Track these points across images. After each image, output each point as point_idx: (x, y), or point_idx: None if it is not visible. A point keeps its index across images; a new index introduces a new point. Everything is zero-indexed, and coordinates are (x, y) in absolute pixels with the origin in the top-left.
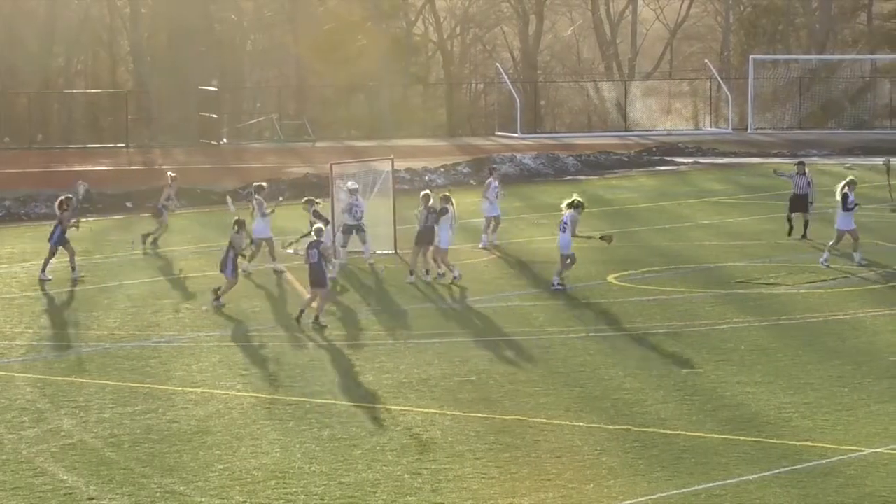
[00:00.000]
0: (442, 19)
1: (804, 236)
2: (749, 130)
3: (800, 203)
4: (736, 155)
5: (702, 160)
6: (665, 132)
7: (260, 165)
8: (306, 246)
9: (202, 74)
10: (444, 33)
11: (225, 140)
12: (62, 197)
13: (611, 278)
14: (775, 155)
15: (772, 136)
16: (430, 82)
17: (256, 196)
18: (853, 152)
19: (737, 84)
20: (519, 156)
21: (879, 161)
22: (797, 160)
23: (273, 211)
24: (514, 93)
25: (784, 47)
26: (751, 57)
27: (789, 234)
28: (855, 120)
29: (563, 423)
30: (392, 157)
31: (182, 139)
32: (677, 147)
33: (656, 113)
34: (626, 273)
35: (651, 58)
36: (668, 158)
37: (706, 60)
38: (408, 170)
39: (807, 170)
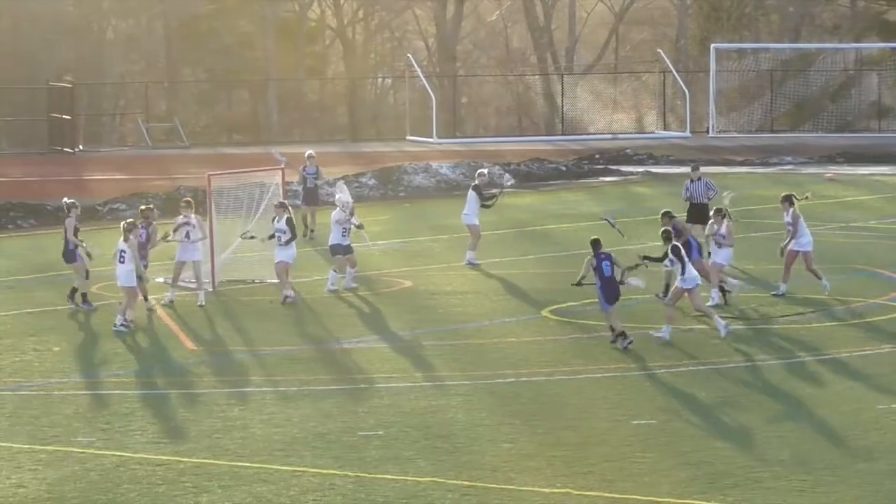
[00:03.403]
0: (342, 1)
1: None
2: (710, 134)
3: (700, 214)
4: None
5: (653, 169)
6: (610, 136)
7: (123, 177)
8: (590, 261)
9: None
10: (345, 18)
11: (81, 147)
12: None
13: (546, 312)
14: (742, 163)
15: (737, 140)
16: (329, 77)
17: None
18: (835, 159)
19: (695, 78)
20: (435, 165)
21: (864, 171)
22: (692, 162)
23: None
24: (429, 89)
25: (752, 34)
26: (712, 46)
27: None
28: (837, 121)
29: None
30: (283, 167)
31: (27, 145)
32: (624, 154)
33: (599, 113)
34: (563, 306)
35: (593, 47)
36: (614, 168)
37: (659, 50)
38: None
39: (701, 175)
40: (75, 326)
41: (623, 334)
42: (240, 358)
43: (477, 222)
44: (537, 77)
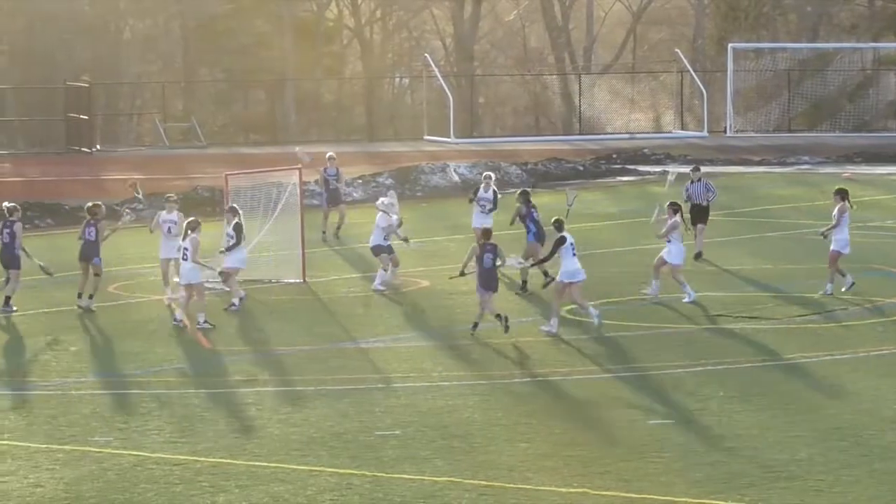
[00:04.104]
0: (359, 1)
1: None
2: (727, 133)
3: (700, 215)
4: (712, 163)
5: (670, 169)
6: (627, 136)
7: (141, 177)
8: (474, 250)
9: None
10: (362, 18)
11: (98, 147)
12: None
13: (564, 311)
14: (759, 163)
15: (755, 140)
16: (346, 77)
17: None
18: (852, 159)
19: (713, 78)
20: (453, 164)
21: (882, 170)
22: (692, 164)
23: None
24: (447, 88)
25: (769, 34)
26: (730, 45)
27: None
28: (854, 121)
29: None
30: (300, 166)
31: (45, 145)
32: (642, 153)
33: (616, 113)
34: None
35: (611, 47)
36: (631, 167)
37: (676, 50)
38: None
39: (701, 176)
40: (92, 326)
41: (499, 315)
42: (257, 357)
43: (479, 225)
44: (555, 77)
